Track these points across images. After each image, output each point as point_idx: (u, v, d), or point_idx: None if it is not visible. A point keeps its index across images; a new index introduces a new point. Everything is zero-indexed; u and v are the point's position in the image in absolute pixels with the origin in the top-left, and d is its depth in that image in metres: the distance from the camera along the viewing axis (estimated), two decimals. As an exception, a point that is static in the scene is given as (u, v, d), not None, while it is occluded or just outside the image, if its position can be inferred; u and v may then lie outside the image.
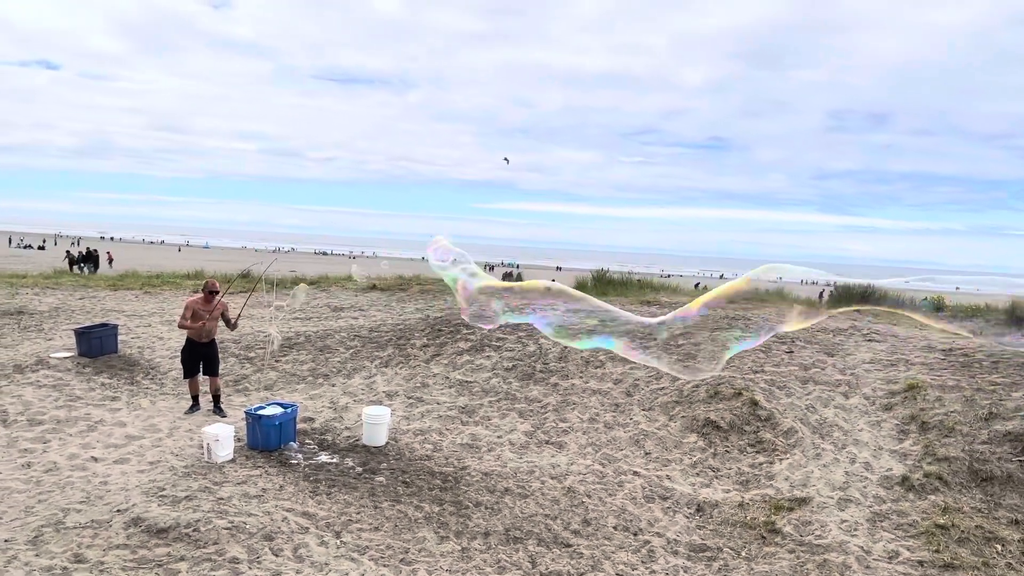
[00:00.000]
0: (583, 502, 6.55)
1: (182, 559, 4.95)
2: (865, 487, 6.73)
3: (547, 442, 8.03)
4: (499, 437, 8.14)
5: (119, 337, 10.98)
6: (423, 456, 7.53)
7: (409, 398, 9.38)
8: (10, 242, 70.68)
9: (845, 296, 13.94)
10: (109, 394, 9.06)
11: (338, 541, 5.47)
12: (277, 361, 10.72)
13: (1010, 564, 5.54)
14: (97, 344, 10.42)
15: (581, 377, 9.59)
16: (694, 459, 7.50)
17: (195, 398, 8.74)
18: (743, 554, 5.76)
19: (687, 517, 6.38)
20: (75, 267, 36.02)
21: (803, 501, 6.50)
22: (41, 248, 66.57)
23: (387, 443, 7.80)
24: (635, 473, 7.20)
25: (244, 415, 7.60)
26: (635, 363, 9.48)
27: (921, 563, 5.55)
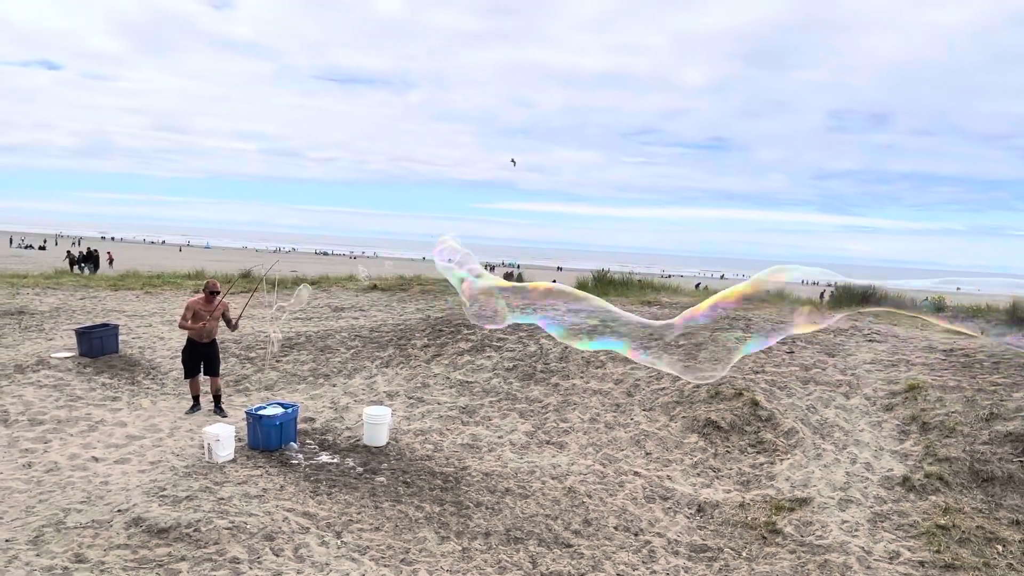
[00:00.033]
0: (584, 502, 6.55)
1: (183, 559, 4.95)
2: (866, 487, 6.72)
3: (548, 442, 8.03)
4: (500, 437, 8.14)
5: (120, 337, 10.98)
6: (424, 456, 7.53)
7: (410, 398, 9.38)
8: (11, 242, 70.73)
9: (846, 297, 13.95)
10: (110, 394, 9.06)
11: (339, 541, 5.48)
12: (278, 361, 10.73)
13: (1011, 565, 5.54)
14: (98, 344, 10.42)
15: (582, 377, 9.59)
16: (695, 459, 7.50)
17: (196, 398, 8.74)
18: (744, 554, 5.76)
19: (688, 517, 6.38)
20: (75, 267, 36.04)
21: (804, 501, 6.50)
22: (42, 248, 66.61)
23: (388, 443, 7.80)
24: (636, 473, 7.20)
25: (245, 415, 7.60)
26: (636, 363, 9.48)
27: (922, 564, 5.54)
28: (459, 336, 11.26)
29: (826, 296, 17.10)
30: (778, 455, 7.37)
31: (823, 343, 10.31)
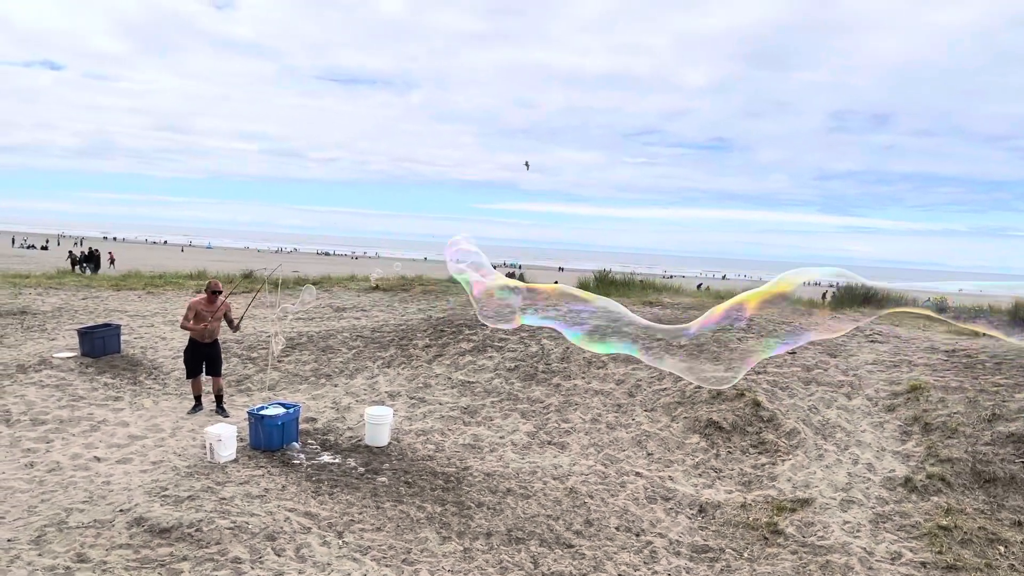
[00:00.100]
0: (585, 503, 6.55)
1: (185, 559, 4.96)
2: (868, 488, 6.72)
3: (549, 443, 8.03)
4: (501, 438, 8.14)
5: (122, 337, 10.99)
6: (425, 456, 7.53)
7: (411, 398, 9.38)
8: (13, 242, 70.83)
9: (848, 297, 13.94)
10: (112, 394, 9.07)
11: (340, 541, 5.48)
12: (280, 361, 10.73)
13: (1013, 566, 5.53)
14: (100, 344, 10.43)
15: (583, 378, 9.59)
16: (696, 460, 7.49)
17: (198, 398, 8.75)
18: (745, 555, 5.76)
19: (689, 518, 6.38)
20: (77, 267, 36.09)
21: (805, 502, 6.50)
22: (44, 248, 66.69)
23: (389, 443, 7.80)
24: (637, 474, 7.20)
25: (247, 415, 7.61)
26: (638, 364, 9.48)
27: (924, 564, 5.54)
28: (461, 336, 11.27)
29: (827, 297, 17.08)
30: (780, 456, 7.36)
31: (825, 343, 10.30)
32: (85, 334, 10.47)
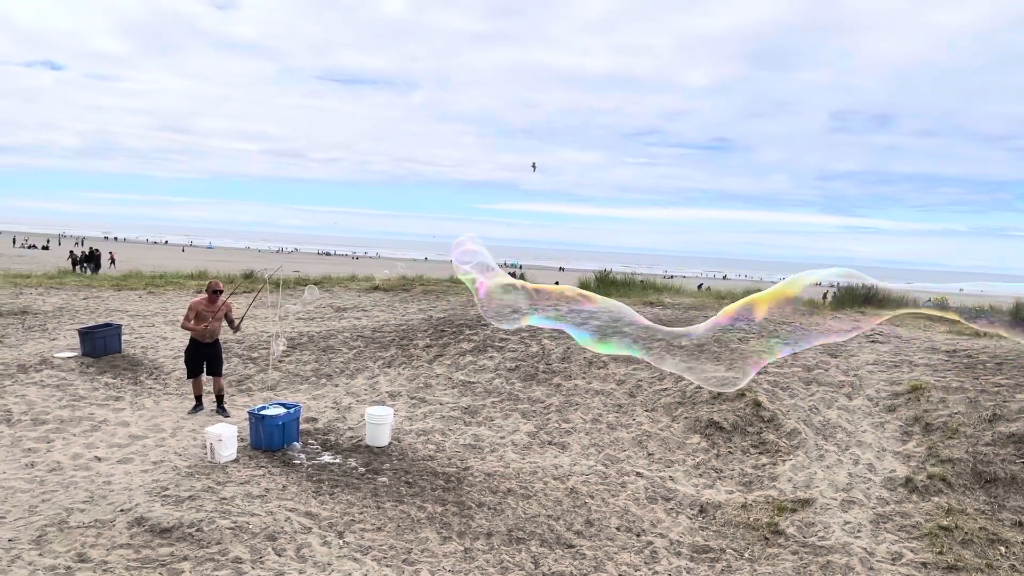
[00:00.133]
0: (586, 503, 6.55)
1: (185, 559, 4.96)
2: (868, 489, 6.72)
3: (550, 443, 8.03)
4: (502, 438, 8.15)
5: (123, 337, 11.00)
6: (426, 456, 7.53)
7: (412, 398, 9.38)
8: (14, 242, 70.86)
9: (848, 298, 13.94)
10: (113, 394, 9.08)
11: (341, 541, 5.48)
12: (280, 361, 10.74)
13: (1014, 566, 5.53)
14: (101, 344, 10.44)
15: (584, 378, 9.59)
16: (697, 460, 7.49)
17: (198, 398, 8.75)
18: (746, 555, 5.75)
19: (690, 518, 6.37)
20: (78, 267, 36.12)
21: (806, 502, 6.50)
22: (45, 248, 66.73)
23: (390, 443, 7.81)
24: (638, 474, 7.20)
25: (247, 415, 7.61)
26: (638, 364, 9.48)
27: (924, 565, 5.54)
28: (461, 336, 11.27)
29: (828, 297, 17.08)
30: (780, 456, 7.36)
31: (826, 343, 10.30)
32: (86, 334, 10.48)
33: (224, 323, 8.72)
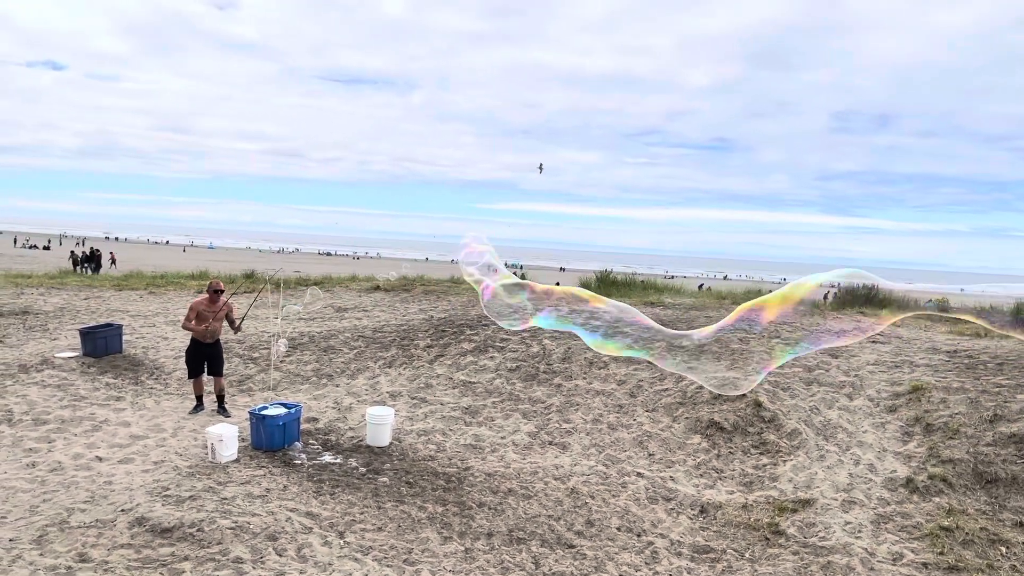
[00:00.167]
0: (587, 503, 6.55)
1: (186, 559, 4.96)
2: (869, 489, 6.71)
3: (551, 443, 8.03)
4: (503, 438, 8.15)
5: (124, 337, 11.00)
6: (427, 457, 7.54)
7: (413, 399, 9.38)
8: (15, 242, 70.94)
9: (849, 298, 13.93)
10: (114, 394, 9.09)
11: (342, 541, 5.48)
12: (281, 361, 10.74)
13: (1015, 567, 5.53)
14: (102, 344, 10.45)
15: (585, 378, 9.59)
16: (698, 460, 7.49)
17: (199, 398, 8.76)
18: (747, 556, 5.75)
19: (691, 518, 6.37)
20: (79, 267, 36.14)
21: (807, 503, 6.50)
22: (46, 248, 66.78)
23: (391, 443, 7.81)
24: (639, 474, 7.20)
25: (248, 415, 7.62)
26: (639, 364, 9.48)
27: (925, 565, 5.53)
28: (462, 337, 11.27)
29: (829, 297, 17.07)
30: (781, 456, 7.36)
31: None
32: (87, 334, 10.48)
33: (225, 323, 8.73)
